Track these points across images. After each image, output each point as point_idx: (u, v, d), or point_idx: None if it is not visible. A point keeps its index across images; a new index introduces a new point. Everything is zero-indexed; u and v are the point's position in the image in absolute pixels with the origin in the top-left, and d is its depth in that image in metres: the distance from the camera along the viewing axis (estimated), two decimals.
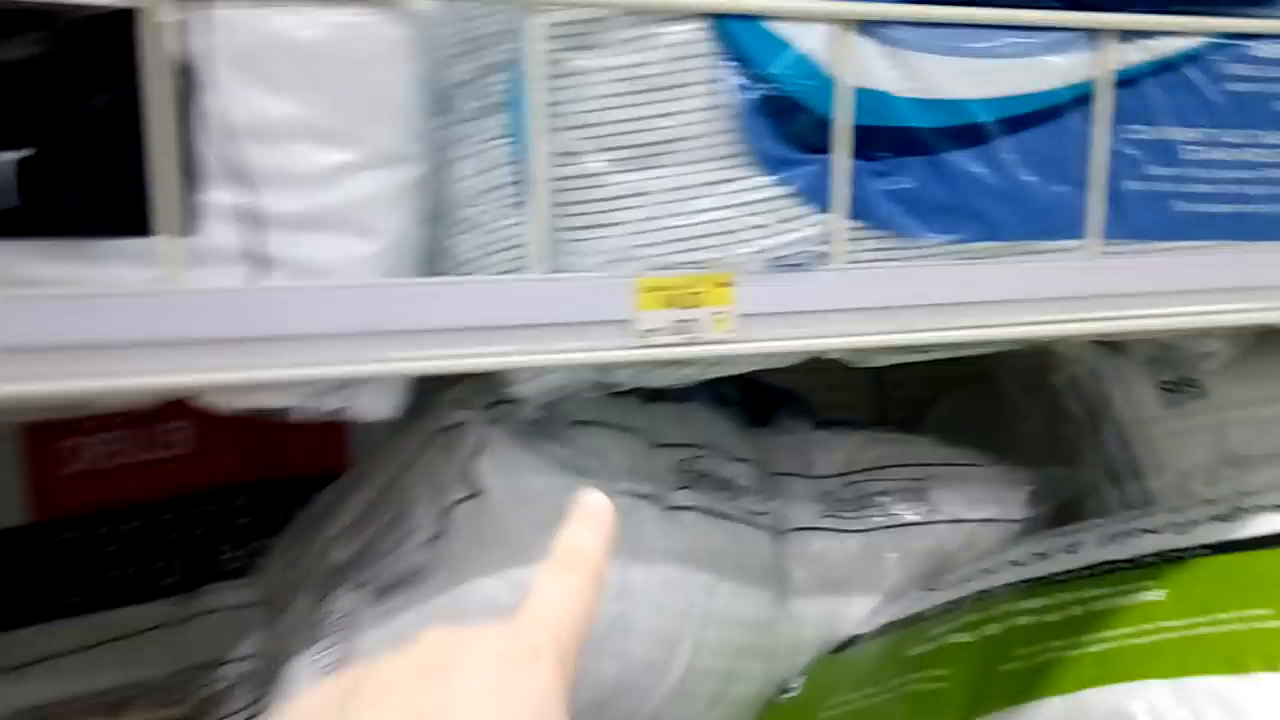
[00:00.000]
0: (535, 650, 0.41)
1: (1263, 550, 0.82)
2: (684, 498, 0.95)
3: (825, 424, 1.11)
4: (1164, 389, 1.11)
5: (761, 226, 0.74)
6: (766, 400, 1.11)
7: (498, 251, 0.78)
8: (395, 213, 0.71)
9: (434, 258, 0.80)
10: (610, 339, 0.73)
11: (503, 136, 0.77)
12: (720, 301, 0.74)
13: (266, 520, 1.22)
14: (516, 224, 0.76)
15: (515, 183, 0.76)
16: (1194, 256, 0.83)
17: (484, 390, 0.89)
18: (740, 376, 0.99)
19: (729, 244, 0.74)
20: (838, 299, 0.76)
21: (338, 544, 0.99)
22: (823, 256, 0.76)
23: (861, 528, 1.02)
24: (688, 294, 0.73)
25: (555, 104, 0.72)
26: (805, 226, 0.75)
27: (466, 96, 0.79)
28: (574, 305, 0.72)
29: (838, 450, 1.07)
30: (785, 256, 0.75)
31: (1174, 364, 1.04)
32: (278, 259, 0.68)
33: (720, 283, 0.74)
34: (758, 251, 0.74)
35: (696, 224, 0.73)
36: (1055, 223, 0.80)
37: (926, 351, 0.81)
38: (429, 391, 1.00)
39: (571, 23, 0.71)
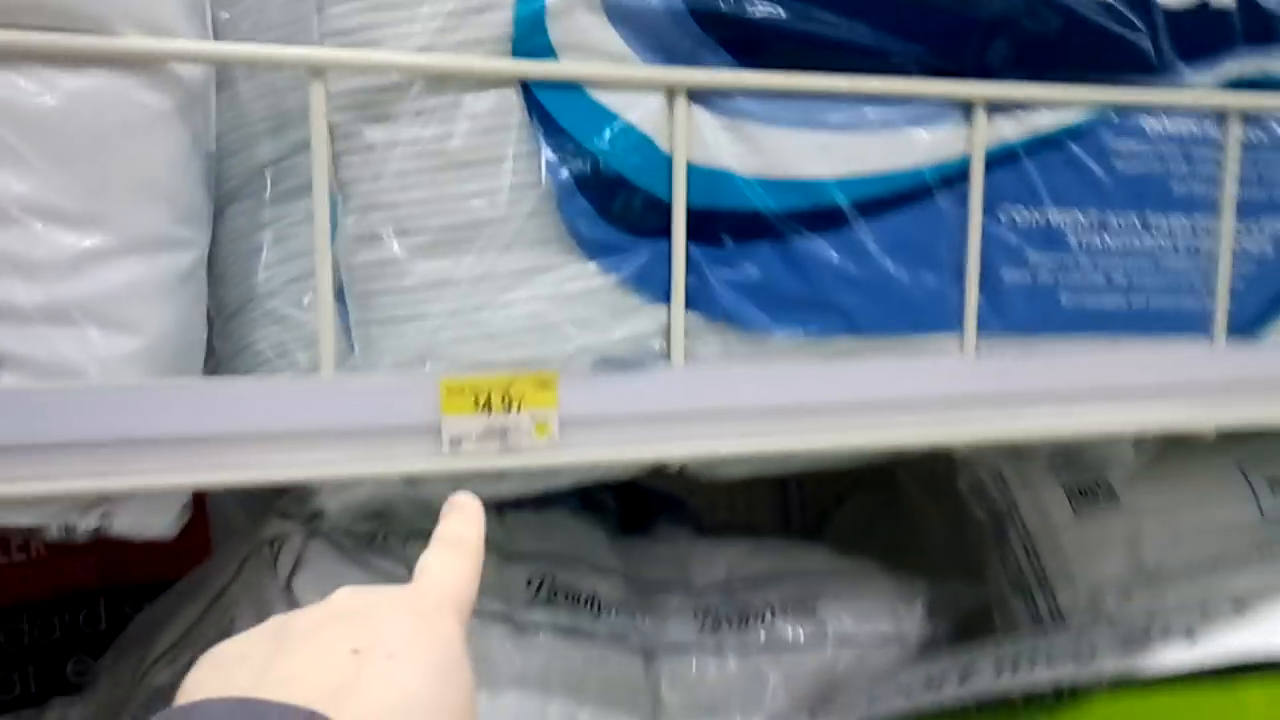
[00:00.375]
0: (439, 607, 0.43)
1: (1163, 691, 0.71)
2: (539, 615, 0.83)
3: (708, 531, 1.00)
4: (1073, 494, 1.00)
5: (587, 320, 0.63)
6: (644, 505, 1.00)
7: (302, 349, 0.67)
8: (161, 305, 0.60)
9: (235, 354, 0.69)
10: (411, 447, 0.62)
11: (308, 221, 0.66)
12: (541, 404, 0.63)
13: (123, 629, 1.09)
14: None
15: None
16: (1082, 355, 0.73)
17: (306, 500, 0.77)
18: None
19: (550, 340, 0.63)
20: (676, 402, 0.65)
21: (160, 664, 0.86)
22: (659, 354, 0.65)
23: (742, 645, 0.90)
24: (502, 396, 0.62)
25: (350, 182, 0.62)
26: (638, 320, 0.64)
27: (272, 178, 0.68)
28: (369, 409, 0.61)
29: (720, 560, 0.95)
30: (615, 354, 0.64)
31: (1080, 468, 0.93)
32: (13, 356, 0.57)
33: (540, 384, 0.63)
34: (583, 348, 0.64)
35: (511, 317, 0.63)
36: (924, 316, 0.69)
37: (781, 461, 0.70)
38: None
39: (364, 90, 0.60)
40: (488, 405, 0.62)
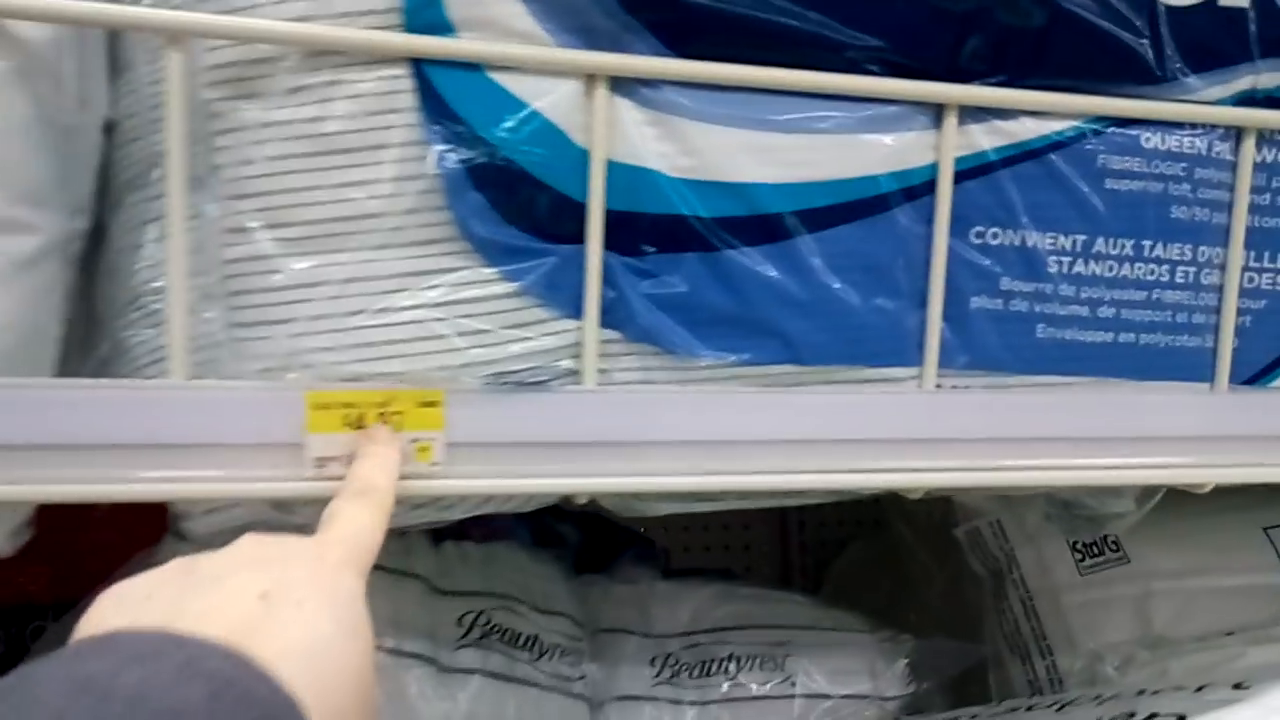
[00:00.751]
0: (343, 561, 0.42)
1: None
2: (468, 658, 0.74)
3: (674, 573, 0.90)
4: (1079, 552, 0.89)
5: (481, 332, 0.54)
6: (608, 540, 0.90)
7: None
8: None
9: (114, 358, 0.61)
10: (271, 468, 0.53)
11: (194, 216, 0.58)
12: (424, 425, 0.54)
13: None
14: (208, 318, 0.56)
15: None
16: (1061, 396, 0.62)
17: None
18: (577, 509, 0.79)
19: (435, 352, 0.54)
20: (584, 429, 0.56)
21: None
22: (566, 374, 0.56)
23: (701, 699, 0.81)
24: (378, 414, 0.53)
25: (219, 166, 0.53)
26: (541, 335, 0.55)
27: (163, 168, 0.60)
28: (224, 422, 0.53)
29: (684, 604, 0.85)
30: (513, 372, 0.55)
31: (1084, 521, 0.81)
32: None
33: (423, 401, 0.54)
34: (474, 363, 0.55)
35: (391, 325, 0.54)
36: (878, 345, 0.59)
37: (706, 499, 0.60)
38: None
39: (234, 64, 0.52)
40: (360, 423, 0.53)
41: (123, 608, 0.38)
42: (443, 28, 0.52)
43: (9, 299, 0.52)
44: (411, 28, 0.52)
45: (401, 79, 0.53)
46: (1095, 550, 0.89)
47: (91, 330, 0.62)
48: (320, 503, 0.54)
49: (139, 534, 0.84)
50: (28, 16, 0.50)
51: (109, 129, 0.61)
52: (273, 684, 0.34)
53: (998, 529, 0.91)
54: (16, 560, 1.01)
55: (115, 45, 0.59)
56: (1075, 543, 0.89)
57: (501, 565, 0.81)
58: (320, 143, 0.52)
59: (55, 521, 0.86)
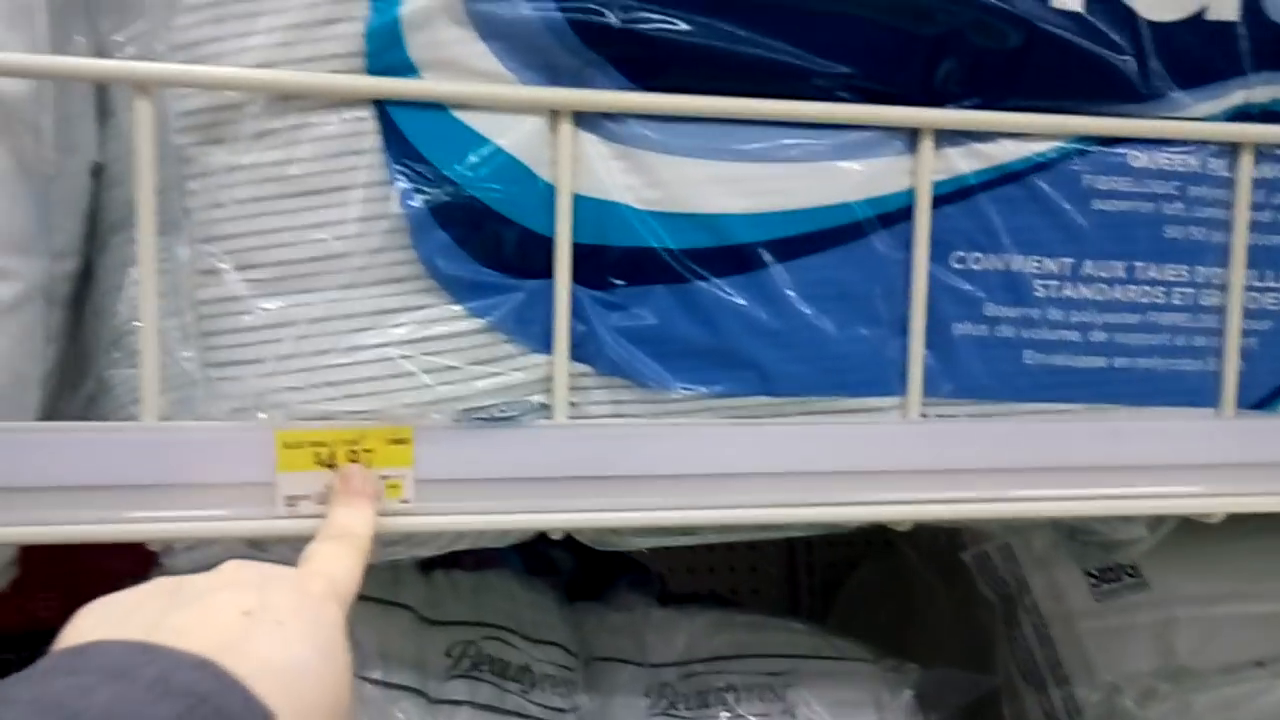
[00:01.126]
0: (325, 593, 0.45)
1: None
2: (458, 690, 0.77)
3: (671, 599, 0.92)
4: (1094, 577, 0.90)
5: (451, 369, 0.57)
6: (603, 567, 0.92)
7: (163, 391, 0.62)
8: None
9: (101, 396, 0.64)
10: (243, 506, 0.56)
11: (172, 258, 0.61)
12: (393, 462, 0.57)
13: None
14: (186, 358, 0.59)
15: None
16: (1054, 423, 0.64)
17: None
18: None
19: (405, 389, 0.57)
20: (556, 464, 0.59)
21: None
22: (537, 409, 0.58)
23: None
24: (348, 452, 0.56)
25: (191, 210, 0.56)
26: (510, 370, 0.58)
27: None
28: (197, 462, 0.56)
29: (680, 633, 0.87)
30: (483, 407, 0.57)
31: (1088, 550, 0.83)
32: None
33: (393, 439, 0.57)
34: (443, 400, 0.57)
35: (360, 363, 0.57)
36: (857, 375, 0.62)
37: (683, 534, 0.63)
38: None
39: (202, 110, 0.55)
40: (331, 461, 0.56)
41: (104, 622, 0.40)
42: (405, 69, 0.55)
43: None
44: (374, 70, 0.55)
45: (365, 120, 0.55)
46: (1112, 575, 0.90)
47: (80, 368, 0.66)
48: (293, 541, 0.57)
49: (150, 559, 0.87)
50: (6, 72, 0.53)
51: (98, 172, 0.64)
52: (248, 697, 0.36)
53: (1007, 553, 0.92)
54: (28, 587, 1.05)
55: (102, 91, 0.62)
56: (1091, 568, 0.90)
57: (492, 594, 0.83)
58: (287, 185, 0.55)
59: (66, 547, 0.90)
